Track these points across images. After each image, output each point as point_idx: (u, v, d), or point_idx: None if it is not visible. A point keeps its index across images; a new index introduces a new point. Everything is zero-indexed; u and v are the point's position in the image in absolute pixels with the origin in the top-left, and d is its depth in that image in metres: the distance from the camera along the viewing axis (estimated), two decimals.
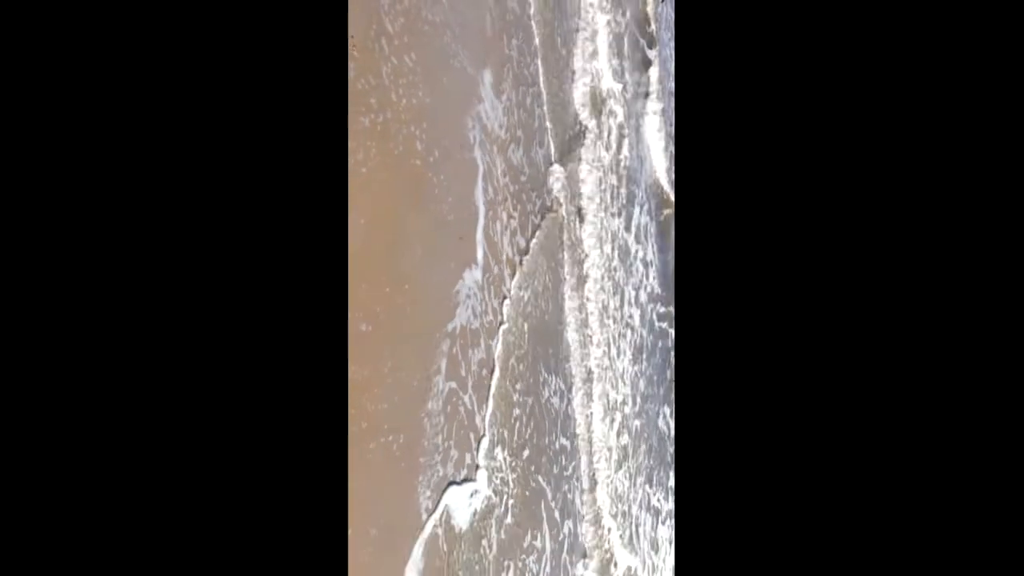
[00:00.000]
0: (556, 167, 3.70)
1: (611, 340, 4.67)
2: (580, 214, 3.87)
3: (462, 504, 2.73)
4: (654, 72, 5.16)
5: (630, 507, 4.69)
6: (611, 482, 4.24)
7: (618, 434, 4.59)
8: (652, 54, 5.18)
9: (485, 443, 2.85)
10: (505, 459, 3.00)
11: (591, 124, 4.03)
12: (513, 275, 3.25)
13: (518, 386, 3.13)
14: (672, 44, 5.51)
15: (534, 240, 3.41)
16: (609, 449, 4.24)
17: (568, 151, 3.83)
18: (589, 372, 4.01)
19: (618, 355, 4.85)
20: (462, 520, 2.77)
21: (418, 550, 2.45)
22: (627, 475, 4.76)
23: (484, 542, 2.88)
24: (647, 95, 5.11)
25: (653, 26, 5.19)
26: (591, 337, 4.07)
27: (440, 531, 2.59)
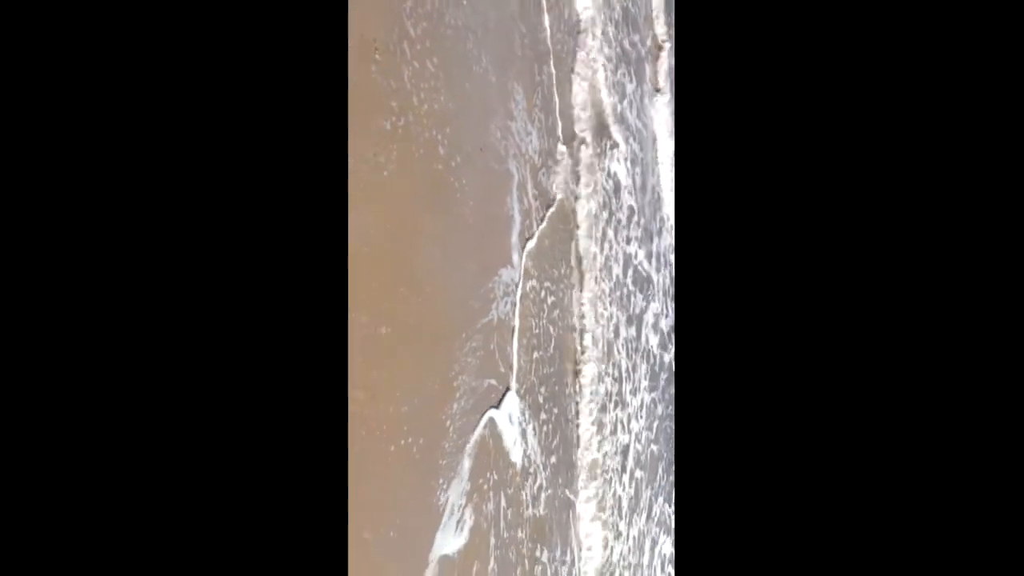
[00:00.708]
0: (561, 179, 3.68)
1: (626, 371, 4.57)
2: (582, 237, 3.80)
3: (507, 431, 2.72)
4: (668, 98, 5.12)
5: (643, 552, 4.61)
6: (618, 544, 4.11)
7: (631, 478, 4.47)
8: (665, 81, 5.15)
9: (515, 399, 2.82)
10: (536, 449, 2.96)
11: (597, 148, 3.99)
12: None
13: (542, 389, 3.09)
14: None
15: (543, 226, 3.38)
16: (617, 499, 4.11)
17: (576, 172, 3.81)
18: (597, 422, 3.90)
19: (634, 392, 4.76)
20: (509, 443, 2.75)
21: (468, 458, 2.46)
22: (641, 512, 4.66)
23: (523, 495, 2.85)
24: (662, 121, 5.07)
25: (666, 51, 5.15)
26: (603, 368, 3.97)
27: (487, 432, 2.57)
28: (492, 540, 2.58)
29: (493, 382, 2.72)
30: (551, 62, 3.70)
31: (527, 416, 2.90)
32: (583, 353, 3.65)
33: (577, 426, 3.52)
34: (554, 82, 3.71)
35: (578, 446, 3.52)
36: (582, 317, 3.72)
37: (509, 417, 2.76)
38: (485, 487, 2.58)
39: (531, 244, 3.19)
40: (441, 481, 2.33)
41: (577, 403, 3.57)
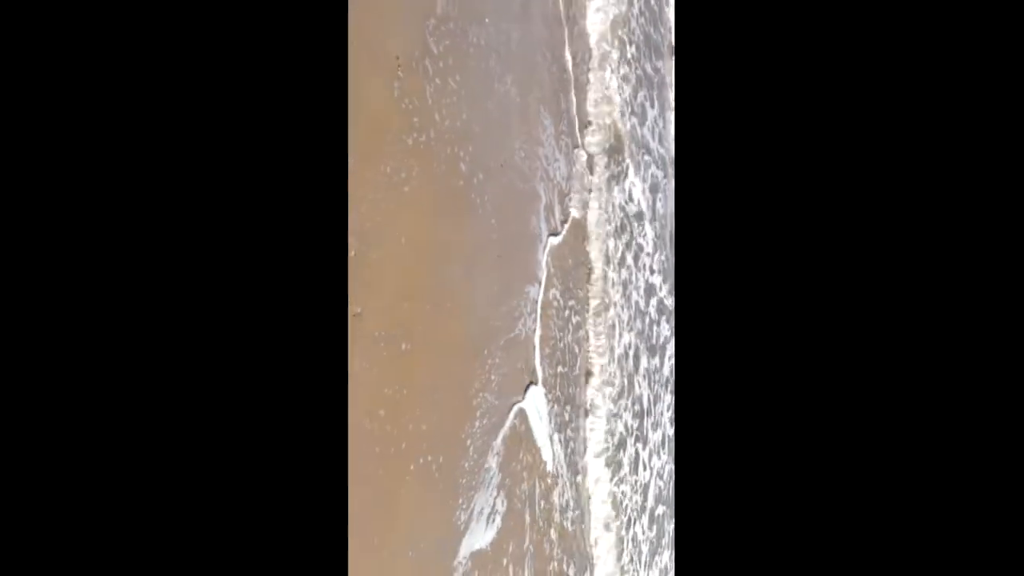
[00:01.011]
0: (577, 198, 3.64)
1: (648, 404, 4.46)
2: (593, 255, 3.72)
3: (537, 428, 2.65)
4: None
5: None
6: None
7: (651, 518, 4.34)
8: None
9: (542, 398, 2.76)
10: (563, 463, 2.88)
11: (613, 167, 3.96)
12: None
13: (568, 408, 3.03)
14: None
15: (564, 234, 3.34)
16: (637, 545, 3.97)
17: (589, 190, 3.79)
18: (614, 457, 3.76)
19: (655, 426, 4.64)
20: (540, 440, 2.67)
21: (496, 456, 2.40)
22: (663, 550, 4.54)
23: (554, 497, 2.77)
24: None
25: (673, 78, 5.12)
26: (622, 404, 3.85)
27: (517, 422, 2.50)
28: (527, 519, 2.51)
29: (517, 399, 2.67)
30: (572, 89, 3.70)
31: (554, 423, 2.84)
32: (588, 382, 3.49)
33: (586, 477, 3.39)
34: (574, 106, 3.71)
35: (590, 497, 3.38)
36: (593, 339, 3.62)
37: (538, 413, 2.69)
38: (518, 468, 2.51)
39: (555, 241, 3.14)
40: (461, 501, 2.27)
41: (587, 442, 3.44)
